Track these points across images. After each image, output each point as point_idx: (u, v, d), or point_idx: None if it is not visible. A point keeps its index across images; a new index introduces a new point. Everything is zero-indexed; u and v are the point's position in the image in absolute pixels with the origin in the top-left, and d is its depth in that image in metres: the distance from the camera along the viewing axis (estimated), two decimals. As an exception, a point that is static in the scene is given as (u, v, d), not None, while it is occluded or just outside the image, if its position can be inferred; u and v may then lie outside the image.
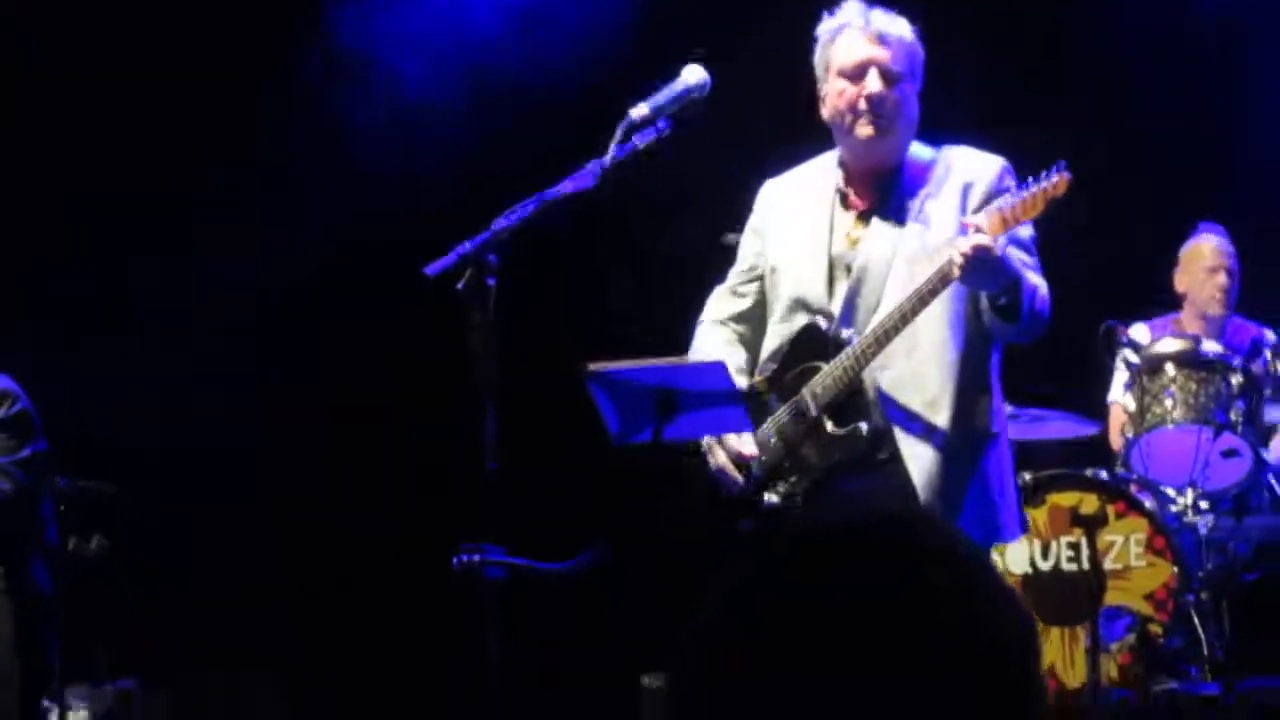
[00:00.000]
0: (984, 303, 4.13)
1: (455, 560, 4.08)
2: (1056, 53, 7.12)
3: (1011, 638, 1.42)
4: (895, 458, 4.23)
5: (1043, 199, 3.96)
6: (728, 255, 4.58)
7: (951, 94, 4.61)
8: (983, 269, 3.91)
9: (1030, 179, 4.00)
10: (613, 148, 4.00)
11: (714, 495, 4.41)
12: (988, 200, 4.08)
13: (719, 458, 4.30)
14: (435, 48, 7.21)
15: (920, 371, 4.23)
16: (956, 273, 3.94)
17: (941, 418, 4.23)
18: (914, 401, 4.22)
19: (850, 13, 4.33)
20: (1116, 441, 6.27)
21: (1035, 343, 4.55)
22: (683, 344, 4.61)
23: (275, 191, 7.12)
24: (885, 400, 4.23)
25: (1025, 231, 4.17)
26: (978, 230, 3.91)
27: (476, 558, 4.06)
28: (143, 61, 7.08)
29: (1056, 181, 3.94)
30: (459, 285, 3.92)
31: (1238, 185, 6.89)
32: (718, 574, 1.46)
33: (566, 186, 3.98)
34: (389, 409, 7.30)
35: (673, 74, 4.13)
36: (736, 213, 4.60)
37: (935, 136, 4.34)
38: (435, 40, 7.21)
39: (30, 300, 6.83)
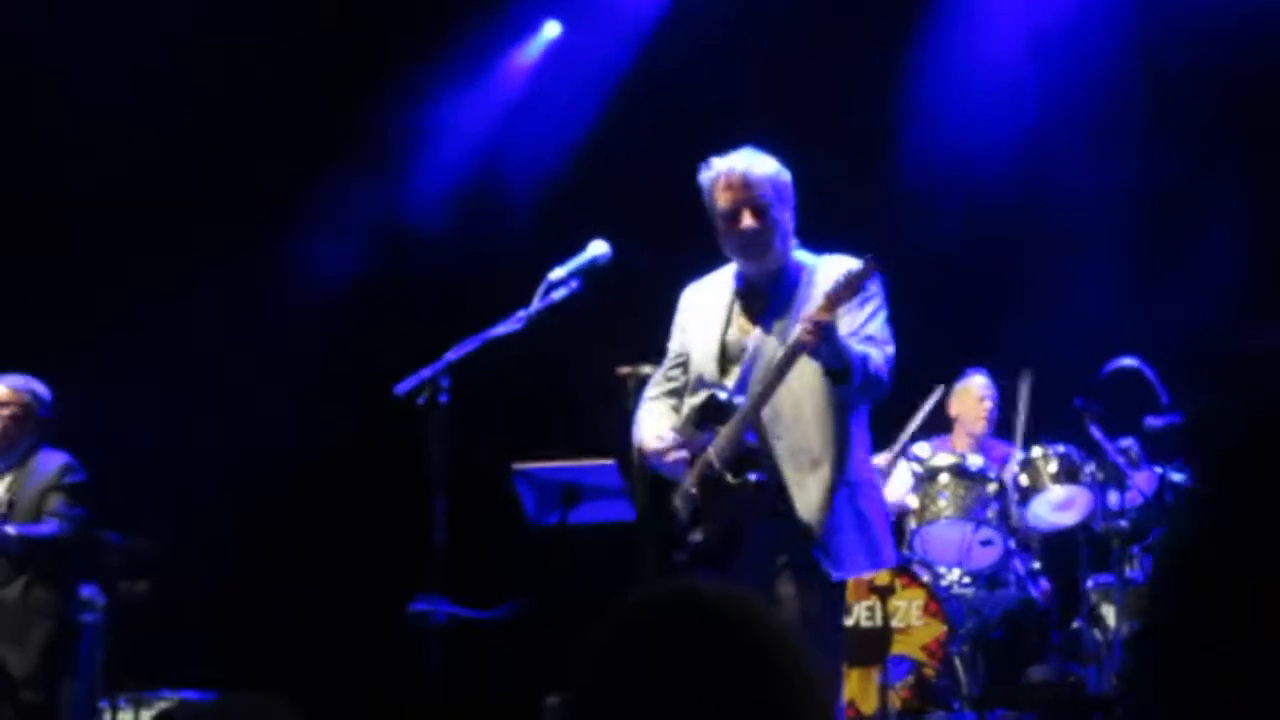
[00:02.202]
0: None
1: (410, 608, 4.66)
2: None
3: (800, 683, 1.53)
4: (792, 509, 4.43)
5: (857, 282, 4.30)
6: (624, 383, 4.84)
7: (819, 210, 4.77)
8: (818, 342, 4.27)
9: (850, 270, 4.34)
10: (536, 300, 4.67)
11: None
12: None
13: (670, 457, 4.51)
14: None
15: (807, 438, 4.47)
16: (803, 341, 4.28)
17: (823, 473, 4.46)
18: (803, 463, 4.45)
19: (720, 164, 4.58)
20: (904, 530, 6.93)
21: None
22: (596, 448, 4.94)
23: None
24: (781, 463, 4.45)
25: (876, 319, 4.50)
26: (811, 318, 4.27)
27: (426, 608, 4.66)
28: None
29: (864, 268, 4.32)
30: (419, 400, 4.56)
31: (1004, 339, 7.50)
32: (584, 638, 1.56)
33: (500, 329, 4.68)
34: (362, 496, 7.84)
35: (584, 245, 4.75)
36: (641, 344, 4.93)
37: (817, 243, 4.64)
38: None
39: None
